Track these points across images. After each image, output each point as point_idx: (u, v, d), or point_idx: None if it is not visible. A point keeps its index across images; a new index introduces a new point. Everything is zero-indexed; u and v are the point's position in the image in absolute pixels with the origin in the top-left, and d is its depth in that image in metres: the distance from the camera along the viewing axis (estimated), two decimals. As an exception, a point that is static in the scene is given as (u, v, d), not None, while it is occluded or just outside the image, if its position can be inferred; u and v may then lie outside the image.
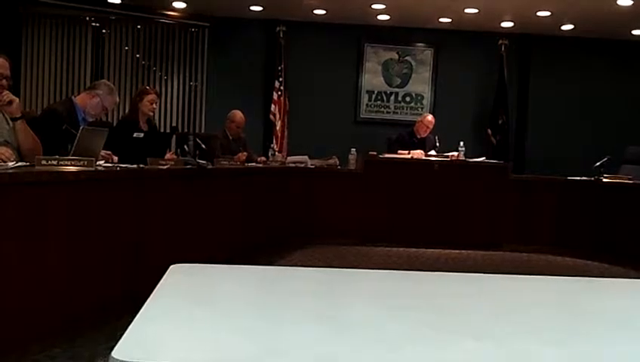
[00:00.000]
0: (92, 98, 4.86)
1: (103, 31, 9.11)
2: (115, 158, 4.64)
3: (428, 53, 9.69)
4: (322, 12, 8.89)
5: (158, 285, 1.53)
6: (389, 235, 7.16)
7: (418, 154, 7.63)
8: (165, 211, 4.39)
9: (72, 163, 3.60)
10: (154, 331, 1.20)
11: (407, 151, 7.60)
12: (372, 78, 9.67)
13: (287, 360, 1.06)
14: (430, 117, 8.14)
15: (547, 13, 8.39)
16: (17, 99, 3.87)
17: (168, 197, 4.47)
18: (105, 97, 4.88)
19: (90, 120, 4.90)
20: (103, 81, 5.50)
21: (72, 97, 5.12)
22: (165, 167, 4.61)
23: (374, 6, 8.49)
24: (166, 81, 9.35)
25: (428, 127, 7.99)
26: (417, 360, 1.09)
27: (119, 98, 5.81)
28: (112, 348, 1.06)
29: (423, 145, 7.87)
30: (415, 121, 8.27)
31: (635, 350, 1.25)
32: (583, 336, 1.33)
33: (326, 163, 7.63)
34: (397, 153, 7.66)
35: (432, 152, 7.71)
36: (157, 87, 8.74)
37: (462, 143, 7.62)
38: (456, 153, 7.56)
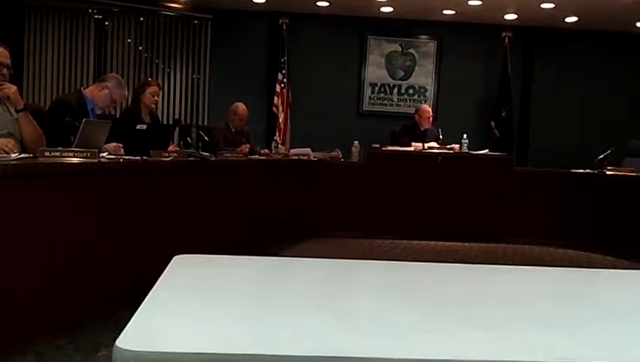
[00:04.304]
0: (101, 90, 4.87)
1: (106, 23, 9.09)
2: (123, 151, 4.64)
3: (431, 46, 9.66)
4: (325, 4, 8.87)
5: (162, 276, 1.54)
6: (392, 227, 7.15)
7: (431, 145, 7.63)
8: (168, 203, 4.40)
9: (75, 154, 3.60)
10: (157, 321, 1.20)
11: (420, 144, 7.58)
12: (375, 71, 9.65)
13: (289, 350, 1.06)
14: (426, 106, 8.15)
15: (551, 6, 8.35)
16: (14, 88, 3.85)
17: (171, 189, 4.47)
18: (114, 90, 4.89)
19: (99, 112, 4.90)
20: (113, 74, 5.51)
21: (82, 89, 5.13)
22: (168, 159, 4.61)
23: (377, -2, 8.48)
24: (169, 73, 9.34)
25: (429, 118, 7.97)
26: (420, 350, 1.10)
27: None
28: (116, 338, 1.07)
29: (426, 137, 7.85)
30: (416, 114, 8.25)
31: (637, 340, 1.25)
32: (585, 326, 1.33)
33: (329, 155, 7.62)
34: (411, 145, 7.64)
35: (434, 144, 7.69)
36: (160, 80, 8.73)
37: (465, 136, 7.60)
38: (458, 145, 7.54)
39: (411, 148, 7.56)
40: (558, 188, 7.28)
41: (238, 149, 6.61)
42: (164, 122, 8.25)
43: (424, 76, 9.68)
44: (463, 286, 1.68)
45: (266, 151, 7.49)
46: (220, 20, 9.26)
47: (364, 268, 1.92)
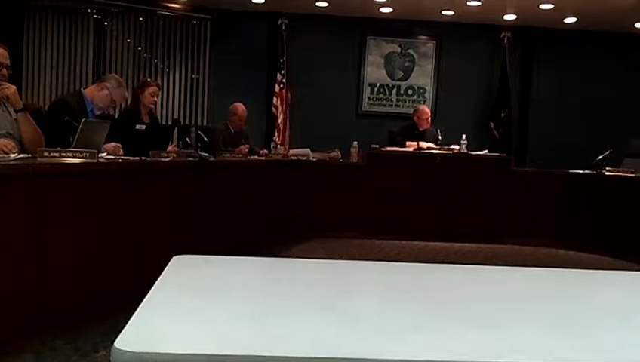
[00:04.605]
0: (101, 90, 4.87)
1: (105, 23, 9.09)
2: (122, 151, 4.64)
3: (430, 46, 9.66)
4: (325, 4, 8.87)
5: (161, 276, 1.53)
6: (392, 228, 7.15)
7: (428, 145, 7.63)
8: (167, 203, 4.40)
9: (75, 155, 3.60)
10: (156, 322, 1.20)
11: (415, 143, 7.57)
12: (374, 71, 9.65)
13: (288, 351, 1.06)
14: (424, 107, 8.16)
15: (550, 6, 8.35)
16: (14, 88, 3.86)
17: (170, 190, 4.47)
18: (114, 90, 4.89)
19: (98, 113, 4.90)
20: (112, 74, 5.51)
21: (81, 89, 5.13)
22: (167, 159, 4.61)
23: (377, -2, 8.48)
24: (168, 73, 9.34)
25: (427, 119, 7.98)
26: (419, 350, 1.10)
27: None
28: (114, 339, 1.07)
29: (425, 137, 7.84)
30: (415, 115, 8.26)
31: (637, 340, 1.25)
32: (584, 327, 1.33)
33: (328, 156, 7.62)
34: (406, 145, 7.64)
35: (430, 144, 7.68)
36: (159, 80, 8.72)
37: (464, 136, 7.59)
38: (457, 146, 7.54)
39: (410, 149, 7.54)
40: (557, 189, 7.28)
41: (237, 150, 6.61)
42: (163, 122, 8.24)
43: (423, 77, 9.68)
44: (462, 287, 1.68)
45: (265, 151, 7.49)
46: (220, 20, 9.26)
47: (363, 269, 1.92)
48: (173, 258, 1.73)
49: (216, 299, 1.39)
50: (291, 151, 7.84)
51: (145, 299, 1.31)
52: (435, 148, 7.54)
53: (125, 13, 9.11)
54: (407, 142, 7.65)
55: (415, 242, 6.99)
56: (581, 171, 7.27)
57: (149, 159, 4.39)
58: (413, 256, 6.35)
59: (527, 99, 9.67)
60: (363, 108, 9.65)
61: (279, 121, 9.13)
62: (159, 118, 6.99)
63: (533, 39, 9.62)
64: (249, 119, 7.47)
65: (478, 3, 8.39)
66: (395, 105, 9.67)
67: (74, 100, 4.76)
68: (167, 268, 1.63)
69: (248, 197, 5.91)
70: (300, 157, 7.42)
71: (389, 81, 9.68)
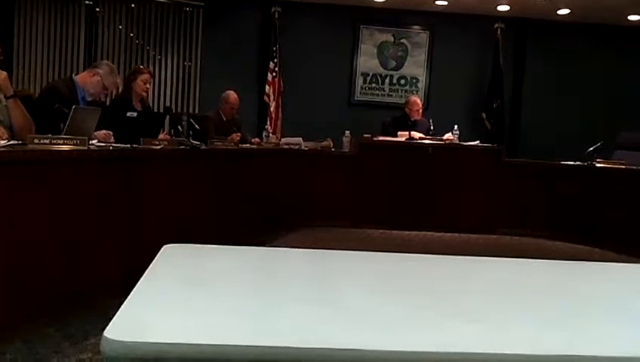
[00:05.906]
0: (92, 76, 4.84)
1: (97, 9, 9.02)
2: (112, 138, 4.62)
3: (423, 36, 9.65)
4: (318, -7, 8.84)
5: (151, 265, 1.53)
6: (383, 218, 7.16)
7: (420, 135, 7.63)
8: (158, 191, 4.38)
9: (65, 142, 3.58)
10: (146, 311, 1.20)
11: (407, 132, 7.56)
12: (367, 61, 9.63)
13: (280, 341, 1.06)
14: (415, 98, 8.15)
15: (543, -3, 8.37)
16: (4, 74, 3.83)
17: (161, 178, 4.46)
18: (105, 76, 4.86)
19: (90, 99, 4.87)
20: (105, 61, 5.47)
21: (73, 76, 5.09)
22: (159, 147, 4.59)
23: (370, -13, 8.45)
24: (160, 60, 9.29)
25: (418, 109, 7.97)
26: (412, 342, 1.10)
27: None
28: (105, 327, 1.06)
29: (417, 128, 7.84)
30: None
31: (624, 332, 1.26)
32: (575, 319, 1.33)
33: (320, 145, 7.60)
34: (397, 135, 7.63)
35: (422, 135, 7.68)
36: (151, 67, 8.66)
37: (456, 127, 7.60)
38: (450, 135, 7.55)
39: (402, 139, 7.54)
40: (548, 180, 7.29)
41: (228, 138, 6.59)
42: (155, 110, 8.21)
43: (416, 66, 9.67)
44: (452, 278, 1.68)
45: (257, 140, 7.47)
46: (212, 8, 9.21)
47: (355, 259, 1.92)
48: (164, 247, 1.72)
49: (206, 288, 1.38)
50: (283, 140, 7.81)
51: (135, 288, 1.31)
52: (427, 139, 7.54)
53: (117, 0, 9.05)
54: (399, 132, 7.65)
55: (405, 232, 6.99)
56: (572, 163, 7.28)
57: (140, 147, 4.37)
58: (403, 245, 6.36)
59: (520, 90, 9.68)
60: (355, 98, 9.64)
61: (271, 109, 9.11)
62: (151, 105, 6.95)
63: (526, 30, 9.61)
64: (241, 107, 7.45)
65: (472, -7, 8.38)
66: (388, 95, 9.66)
67: (64, 87, 4.73)
68: (157, 256, 1.62)
69: (239, 186, 5.89)
70: (292, 146, 7.40)
71: (381, 70, 9.67)
